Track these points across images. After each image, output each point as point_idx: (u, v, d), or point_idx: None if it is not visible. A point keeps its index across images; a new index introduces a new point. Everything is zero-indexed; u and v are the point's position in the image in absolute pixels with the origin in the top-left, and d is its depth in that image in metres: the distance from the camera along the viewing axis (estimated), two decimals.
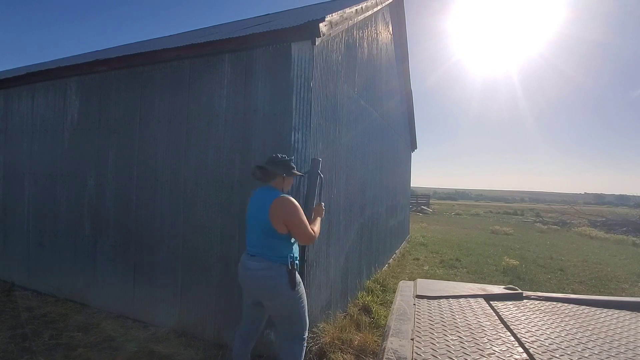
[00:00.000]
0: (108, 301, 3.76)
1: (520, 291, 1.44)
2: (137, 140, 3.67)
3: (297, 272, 2.17)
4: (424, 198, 33.38)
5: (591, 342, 0.99)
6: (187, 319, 3.28)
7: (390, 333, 1.02)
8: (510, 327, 1.08)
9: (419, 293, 1.41)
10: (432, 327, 1.06)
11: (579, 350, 0.93)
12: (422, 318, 1.13)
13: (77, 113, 4.13)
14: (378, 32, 5.52)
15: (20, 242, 4.55)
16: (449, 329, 1.04)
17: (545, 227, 18.37)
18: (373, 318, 3.76)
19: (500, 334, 1.02)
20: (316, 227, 2.31)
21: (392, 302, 1.61)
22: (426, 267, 6.94)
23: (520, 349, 0.93)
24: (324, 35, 2.86)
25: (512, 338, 1.00)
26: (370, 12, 4.51)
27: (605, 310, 1.30)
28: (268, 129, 3.01)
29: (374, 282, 4.93)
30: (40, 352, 2.89)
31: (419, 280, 1.63)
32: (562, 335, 1.03)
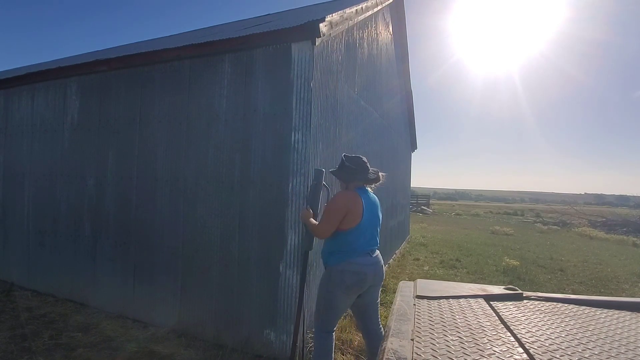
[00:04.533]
0: (108, 301, 3.76)
1: (520, 291, 1.44)
2: (137, 140, 3.67)
3: None
4: (424, 198, 33.39)
5: (591, 343, 0.99)
6: (187, 319, 3.28)
7: (390, 333, 1.02)
8: (510, 327, 1.08)
9: (419, 293, 1.41)
10: (432, 327, 1.06)
11: (579, 350, 0.93)
12: (422, 318, 1.13)
13: (77, 113, 4.13)
14: (378, 32, 5.52)
15: (20, 242, 4.55)
16: (449, 329, 1.04)
17: (546, 227, 18.37)
18: None
19: (500, 334, 1.02)
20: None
21: (392, 303, 1.61)
22: (426, 268, 6.94)
23: (520, 349, 0.93)
24: (324, 35, 2.86)
25: (512, 338, 0.99)
26: (370, 12, 4.51)
27: (605, 310, 1.30)
28: (268, 129, 3.01)
29: None
30: (39, 352, 2.89)
31: (419, 280, 1.63)
32: (562, 335, 1.03)
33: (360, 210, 2.23)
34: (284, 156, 2.93)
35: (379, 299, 2.48)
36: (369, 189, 2.42)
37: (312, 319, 2.56)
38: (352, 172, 2.33)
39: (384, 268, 2.41)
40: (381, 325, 2.44)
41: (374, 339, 2.37)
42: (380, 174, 2.39)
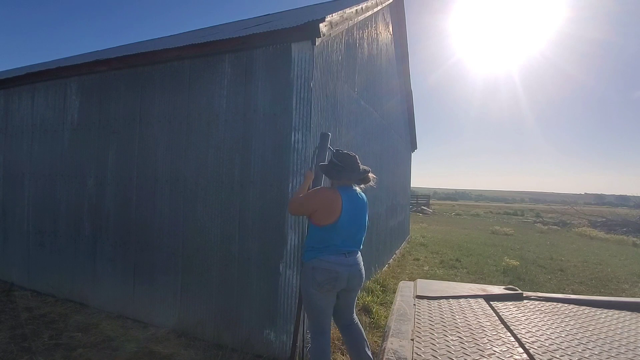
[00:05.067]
0: (108, 301, 3.76)
1: (520, 291, 1.44)
2: (137, 140, 3.67)
3: None
4: (424, 198, 33.37)
5: (591, 342, 0.99)
6: (187, 320, 3.28)
7: (391, 333, 1.02)
8: (510, 327, 1.08)
9: (419, 293, 1.41)
10: (432, 327, 1.06)
11: (579, 350, 0.93)
12: (422, 318, 1.13)
13: (77, 113, 4.13)
14: (378, 32, 5.52)
15: (20, 242, 4.55)
16: (449, 329, 1.04)
17: (546, 227, 18.36)
18: (373, 318, 3.76)
19: (500, 334, 1.02)
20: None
21: (392, 303, 1.61)
22: (426, 268, 6.94)
23: (520, 349, 0.93)
24: (324, 35, 2.86)
25: (512, 338, 0.99)
26: (370, 13, 4.51)
27: (605, 310, 1.30)
28: (268, 129, 3.01)
29: (374, 283, 4.93)
30: (39, 352, 2.88)
31: (419, 280, 1.63)
32: (562, 335, 1.03)
33: (337, 209, 2.15)
34: (284, 156, 2.93)
35: (356, 300, 2.43)
36: (357, 188, 2.34)
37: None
38: (338, 170, 2.25)
39: (363, 271, 2.28)
40: (355, 316, 2.39)
41: (351, 332, 2.31)
42: (370, 175, 2.29)
